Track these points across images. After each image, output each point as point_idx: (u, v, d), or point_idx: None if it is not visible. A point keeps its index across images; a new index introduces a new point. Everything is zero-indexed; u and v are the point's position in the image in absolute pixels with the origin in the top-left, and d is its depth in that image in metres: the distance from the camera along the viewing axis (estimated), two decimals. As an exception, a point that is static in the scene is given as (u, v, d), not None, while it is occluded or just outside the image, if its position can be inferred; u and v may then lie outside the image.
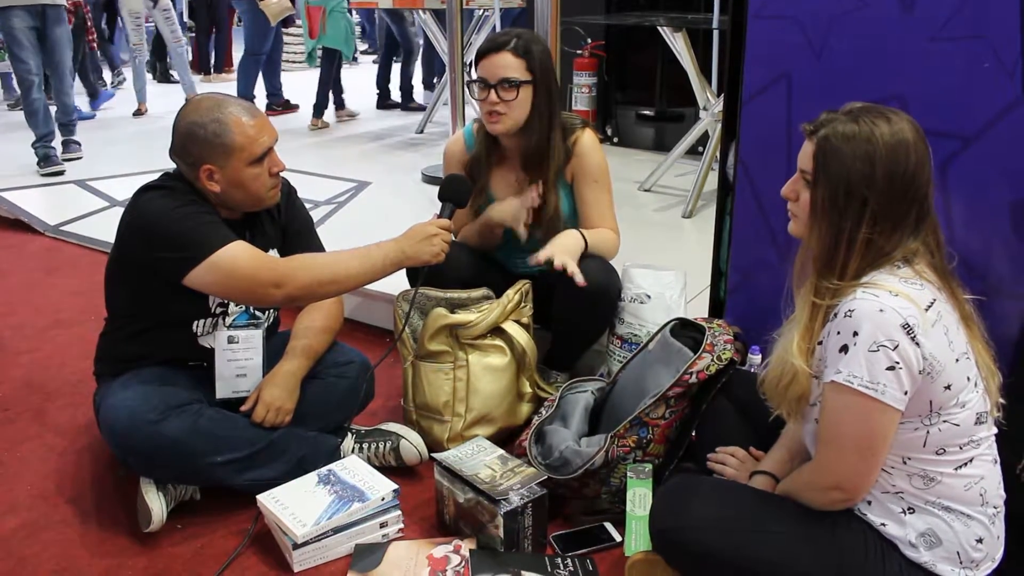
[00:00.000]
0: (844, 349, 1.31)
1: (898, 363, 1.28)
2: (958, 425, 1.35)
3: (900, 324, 1.28)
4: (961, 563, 1.37)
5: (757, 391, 1.68)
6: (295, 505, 1.78)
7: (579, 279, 2.03)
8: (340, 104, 6.51)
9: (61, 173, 4.68)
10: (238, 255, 1.78)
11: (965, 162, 1.76)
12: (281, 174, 1.93)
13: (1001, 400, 1.43)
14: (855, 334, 1.30)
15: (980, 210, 1.77)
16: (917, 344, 1.29)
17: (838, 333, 1.32)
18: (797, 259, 1.46)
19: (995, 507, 1.41)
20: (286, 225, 2.05)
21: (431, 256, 1.91)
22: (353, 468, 1.90)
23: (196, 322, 1.93)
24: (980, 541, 1.38)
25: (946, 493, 1.37)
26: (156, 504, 1.80)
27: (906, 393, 1.30)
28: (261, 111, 1.89)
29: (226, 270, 1.77)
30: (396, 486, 1.84)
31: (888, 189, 1.33)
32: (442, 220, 1.95)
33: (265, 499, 1.80)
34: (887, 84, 1.82)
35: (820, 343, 1.38)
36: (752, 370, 1.98)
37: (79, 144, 5.10)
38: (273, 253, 2.00)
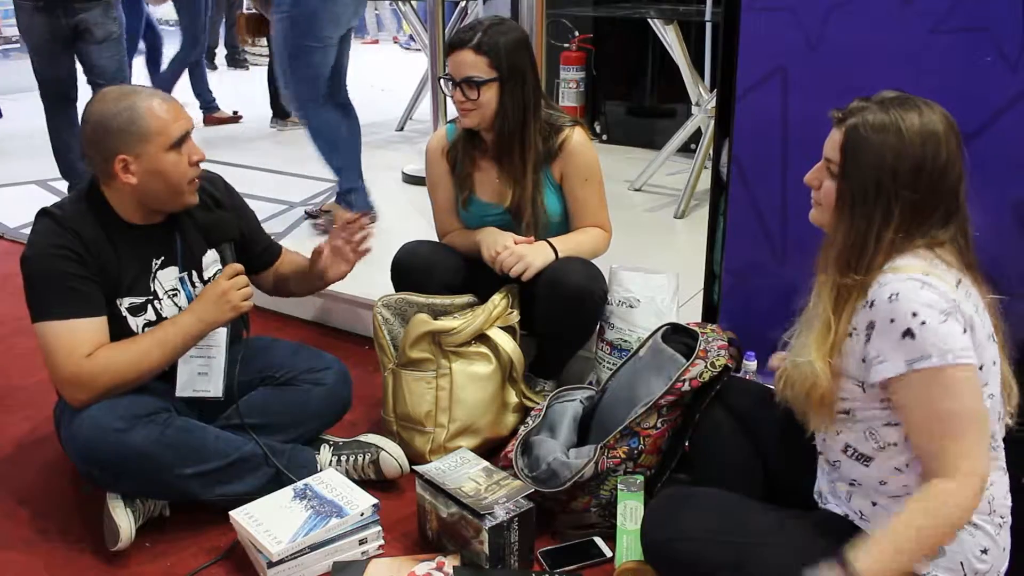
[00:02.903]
0: (909, 334, 1.27)
1: (965, 324, 1.28)
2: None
3: (944, 290, 1.28)
4: (964, 574, 1.33)
5: (755, 400, 1.65)
6: (270, 521, 1.74)
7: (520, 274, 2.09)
8: None
9: None
10: (58, 335, 1.75)
11: (968, 158, 1.73)
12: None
13: (1011, 410, 1.40)
14: (914, 315, 1.26)
15: (983, 207, 1.74)
16: (960, 307, 1.29)
17: (891, 320, 1.28)
18: (822, 251, 1.42)
19: (1002, 516, 1.37)
20: (239, 217, 2.02)
21: (233, 312, 1.86)
22: (331, 482, 1.86)
23: (141, 330, 1.88)
24: (985, 552, 1.34)
25: None
26: (124, 521, 1.75)
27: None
28: (173, 97, 1.85)
29: (44, 344, 1.77)
30: (376, 501, 1.80)
31: (915, 183, 1.31)
32: (229, 267, 1.89)
33: (238, 515, 1.76)
34: (886, 78, 1.78)
35: (851, 335, 1.34)
36: (747, 377, 1.94)
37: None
38: (211, 255, 1.97)
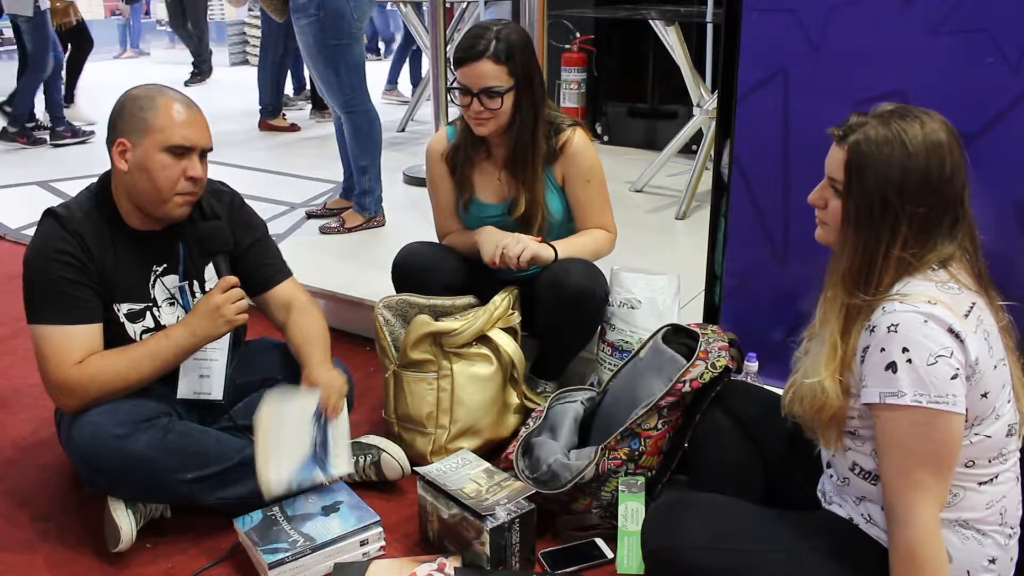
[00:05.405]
0: (892, 367, 1.25)
1: (958, 369, 1.24)
2: (990, 437, 1.31)
3: (947, 329, 1.24)
4: None
5: (755, 403, 1.62)
6: (281, 441, 1.76)
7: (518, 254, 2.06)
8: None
9: None
10: (50, 339, 1.75)
11: (969, 161, 1.73)
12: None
13: None
14: (904, 350, 1.24)
15: (984, 211, 1.73)
16: (965, 346, 1.25)
17: (882, 350, 1.26)
18: (829, 268, 1.40)
19: (1012, 528, 1.36)
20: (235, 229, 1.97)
21: (227, 326, 1.82)
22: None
23: (139, 337, 1.86)
24: (992, 561, 1.33)
25: (967, 507, 1.32)
26: (125, 522, 1.74)
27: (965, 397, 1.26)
28: (202, 113, 1.83)
29: (36, 346, 1.76)
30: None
31: (923, 197, 1.28)
32: (223, 281, 1.84)
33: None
34: (887, 79, 1.79)
35: (862, 360, 1.31)
36: (748, 378, 1.93)
37: None
38: (210, 270, 1.94)
